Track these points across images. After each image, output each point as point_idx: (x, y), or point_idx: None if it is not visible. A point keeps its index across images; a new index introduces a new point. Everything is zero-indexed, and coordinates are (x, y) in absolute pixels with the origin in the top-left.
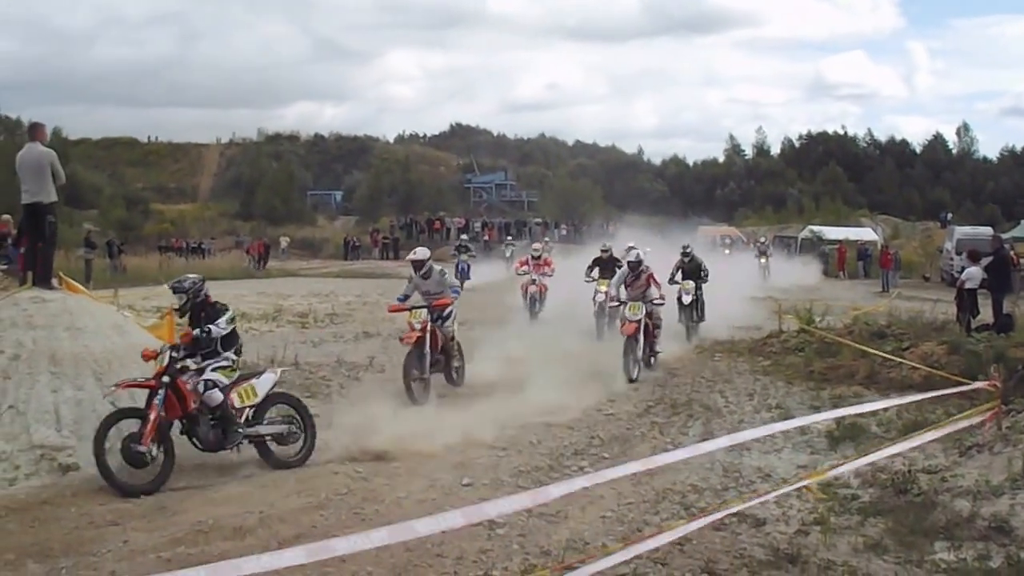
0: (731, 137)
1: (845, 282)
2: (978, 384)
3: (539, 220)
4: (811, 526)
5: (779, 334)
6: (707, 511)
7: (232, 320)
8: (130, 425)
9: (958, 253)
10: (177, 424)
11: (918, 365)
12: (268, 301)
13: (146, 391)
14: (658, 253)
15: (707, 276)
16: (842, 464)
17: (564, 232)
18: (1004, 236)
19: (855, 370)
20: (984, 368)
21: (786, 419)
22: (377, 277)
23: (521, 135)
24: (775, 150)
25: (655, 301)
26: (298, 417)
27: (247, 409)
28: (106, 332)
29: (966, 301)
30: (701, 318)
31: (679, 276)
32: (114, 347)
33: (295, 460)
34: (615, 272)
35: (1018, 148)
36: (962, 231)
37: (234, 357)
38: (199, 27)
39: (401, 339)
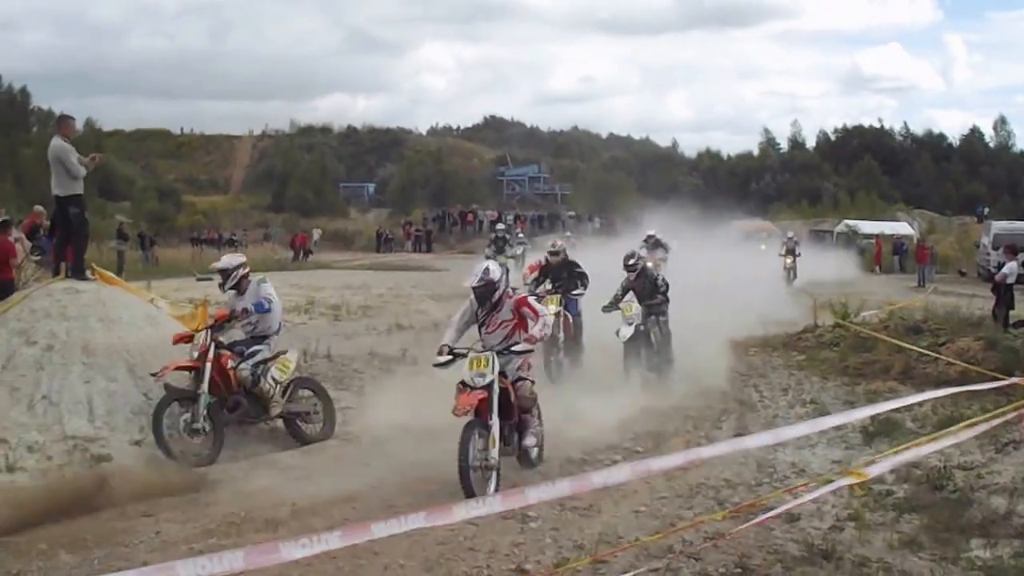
0: (766, 130)
1: (880, 277)
2: (1015, 380)
3: (572, 213)
4: (845, 522)
5: (814, 329)
6: (747, 506)
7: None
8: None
9: (995, 248)
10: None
11: (954, 361)
12: (301, 293)
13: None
14: (682, 251)
15: (666, 295)
16: (878, 459)
17: (598, 225)
18: None
19: (890, 365)
20: (1021, 364)
21: (822, 414)
22: (410, 270)
23: (554, 127)
24: (810, 143)
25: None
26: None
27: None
28: (139, 323)
29: (1003, 296)
30: (664, 360)
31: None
32: (147, 338)
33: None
34: (574, 282)
35: None
36: (999, 226)
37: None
38: (232, 19)
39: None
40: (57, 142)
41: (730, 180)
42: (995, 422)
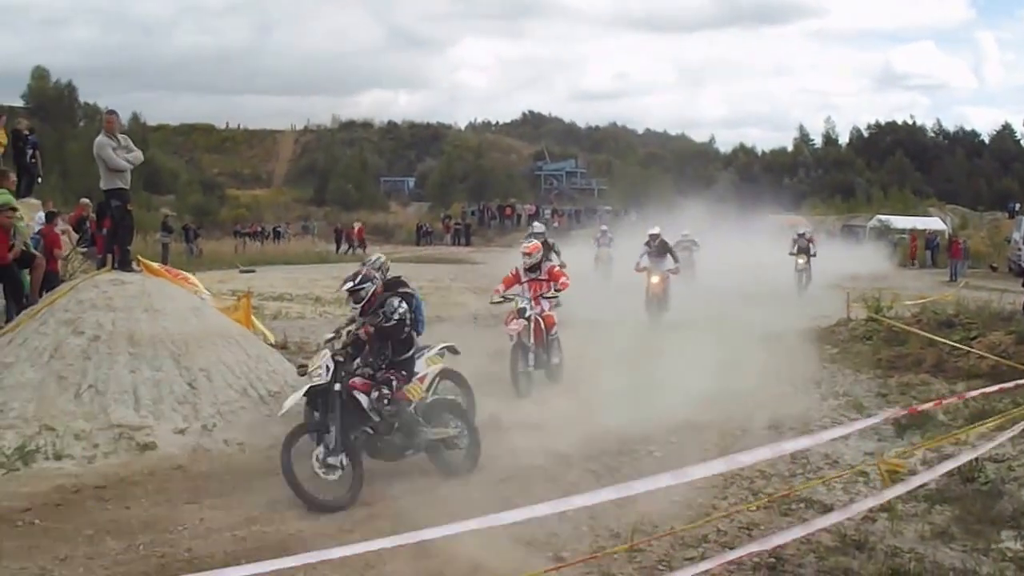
0: (800, 127)
1: (913, 271)
2: None
3: (608, 207)
4: (878, 513)
5: (847, 322)
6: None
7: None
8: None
9: None
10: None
11: (985, 354)
12: None
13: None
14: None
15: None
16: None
17: (634, 219)
18: None
19: (922, 359)
20: None
21: (854, 407)
22: (449, 262)
23: (592, 123)
24: (843, 140)
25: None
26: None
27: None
28: (184, 314)
29: None
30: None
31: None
32: (192, 329)
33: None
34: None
35: None
36: None
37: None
38: (276, 15)
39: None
40: (98, 138)
41: (764, 176)
42: None
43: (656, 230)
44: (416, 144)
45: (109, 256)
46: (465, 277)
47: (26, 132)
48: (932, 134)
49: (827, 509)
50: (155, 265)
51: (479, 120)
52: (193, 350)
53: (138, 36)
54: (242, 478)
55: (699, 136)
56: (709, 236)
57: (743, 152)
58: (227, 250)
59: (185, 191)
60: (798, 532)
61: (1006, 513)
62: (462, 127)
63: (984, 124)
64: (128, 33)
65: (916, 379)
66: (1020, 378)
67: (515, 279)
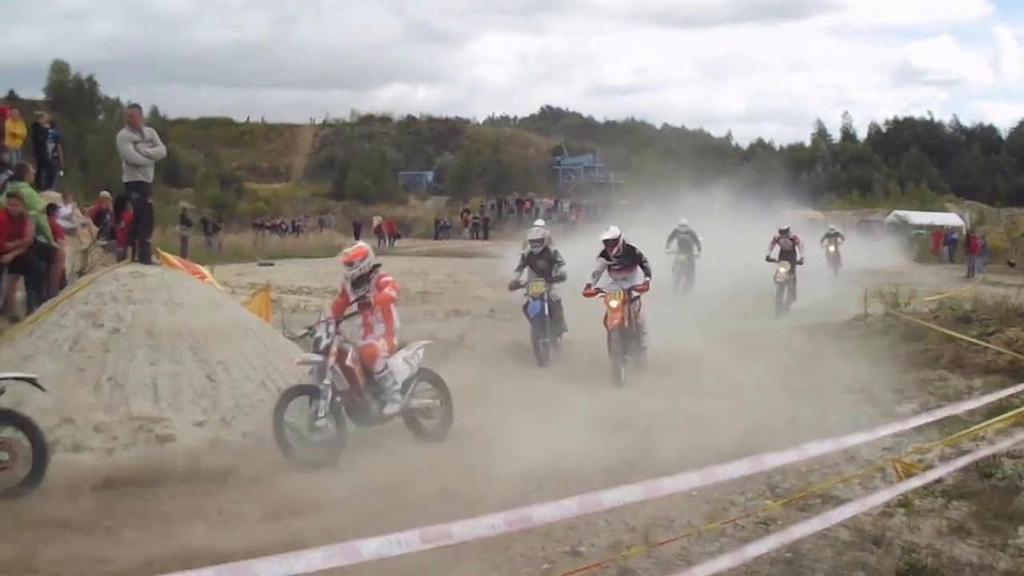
0: (818, 122)
1: (930, 267)
2: None
3: (625, 201)
4: (895, 508)
5: (864, 317)
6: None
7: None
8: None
9: None
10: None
11: (1003, 350)
12: None
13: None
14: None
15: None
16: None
17: (651, 213)
18: None
19: (940, 354)
20: None
21: (871, 403)
22: (467, 256)
23: (610, 118)
24: (861, 135)
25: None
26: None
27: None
28: (203, 307)
29: None
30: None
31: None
32: (211, 322)
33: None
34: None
35: None
36: None
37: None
38: (295, 9)
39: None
40: (121, 132)
41: (782, 171)
42: None
43: (613, 233)
44: (435, 138)
45: (129, 249)
46: (483, 271)
47: (47, 126)
48: (950, 129)
49: (844, 504)
50: (171, 258)
51: (497, 114)
52: (212, 343)
53: (158, 30)
54: (261, 471)
55: (717, 131)
56: (723, 232)
57: (760, 147)
58: (246, 243)
59: (203, 185)
60: (816, 526)
61: (1023, 509)
62: (480, 121)
63: (1002, 119)
64: (148, 27)
65: (934, 375)
66: None
67: (343, 298)
